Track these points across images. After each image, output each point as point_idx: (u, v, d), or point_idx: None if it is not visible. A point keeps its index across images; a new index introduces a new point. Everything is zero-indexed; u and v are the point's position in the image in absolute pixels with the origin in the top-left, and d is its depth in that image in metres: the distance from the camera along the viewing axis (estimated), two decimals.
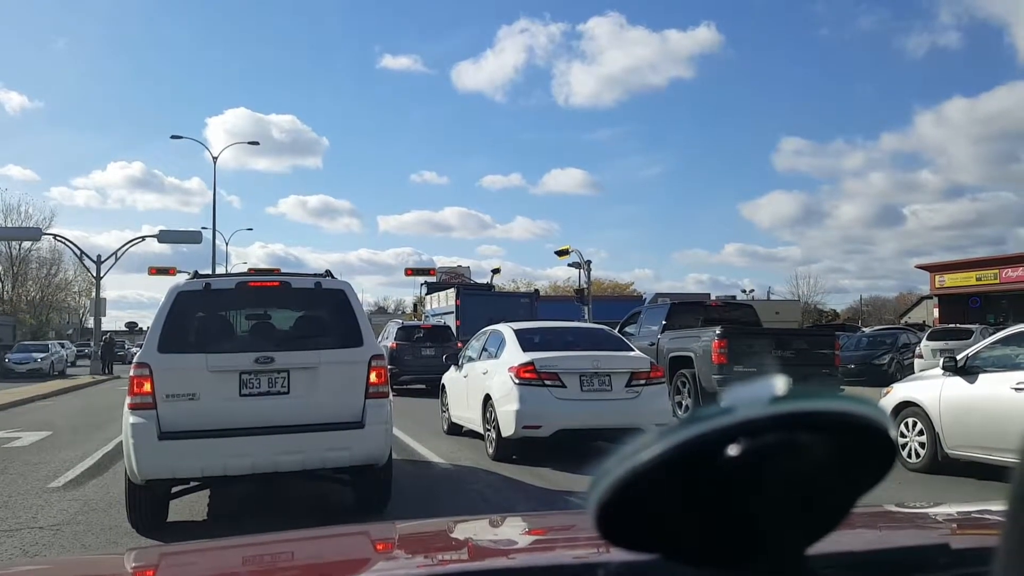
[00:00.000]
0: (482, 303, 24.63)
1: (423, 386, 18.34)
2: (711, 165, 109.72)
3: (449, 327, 21.69)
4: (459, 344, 16.86)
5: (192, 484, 6.05)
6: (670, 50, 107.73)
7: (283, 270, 6.83)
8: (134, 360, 5.79)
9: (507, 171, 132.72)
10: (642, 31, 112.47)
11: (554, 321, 12.10)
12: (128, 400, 5.59)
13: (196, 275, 6.57)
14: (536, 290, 37.08)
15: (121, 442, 6.00)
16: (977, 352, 7.71)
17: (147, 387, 5.50)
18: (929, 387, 7.95)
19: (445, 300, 27.63)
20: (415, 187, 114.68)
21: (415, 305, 40.08)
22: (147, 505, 5.71)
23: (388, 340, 19.90)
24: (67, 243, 33.55)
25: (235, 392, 5.69)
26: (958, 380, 7.59)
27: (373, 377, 5.93)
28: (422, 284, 38.05)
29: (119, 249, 32.23)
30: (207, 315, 6.23)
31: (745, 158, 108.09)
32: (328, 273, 6.57)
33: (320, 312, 6.42)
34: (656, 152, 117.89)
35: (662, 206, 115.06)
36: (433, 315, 28.55)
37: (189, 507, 6.43)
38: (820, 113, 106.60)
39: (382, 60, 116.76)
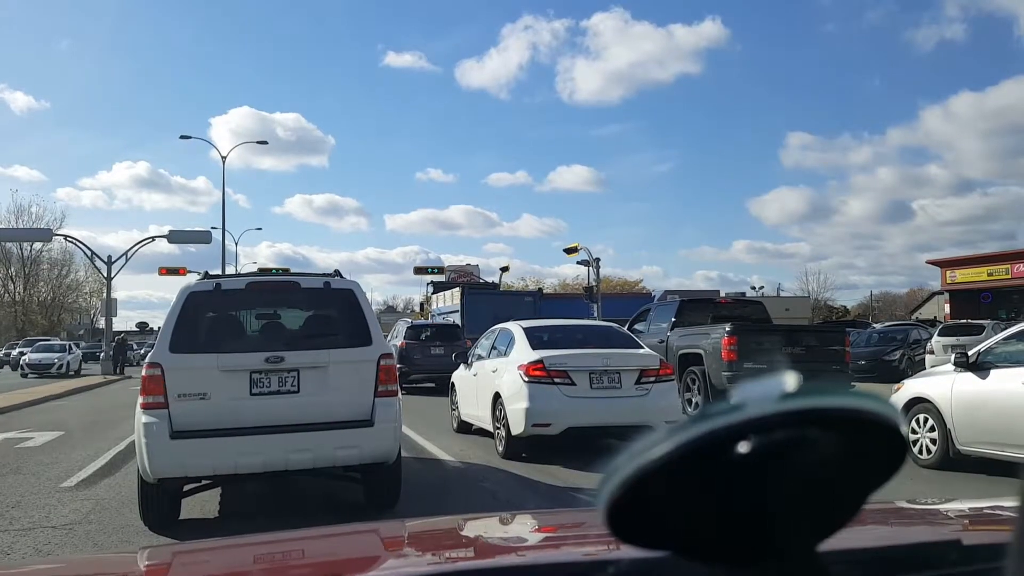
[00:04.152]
0: (487, 302, 25.21)
1: (432, 384, 18.49)
2: (718, 161, 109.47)
3: (458, 326, 21.75)
4: (467, 342, 16.96)
5: (204, 482, 6.10)
6: (676, 45, 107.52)
7: (292, 269, 6.87)
8: (146, 359, 5.85)
9: (513, 168, 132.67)
10: (647, 26, 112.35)
11: (562, 319, 12.11)
12: (140, 399, 5.65)
13: (206, 275, 6.61)
14: (540, 288, 37.37)
15: (133, 442, 6.06)
16: (989, 348, 7.67)
17: (159, 387, 5.56)
18: (940, 383, 7.91)
19: (451, 299, 28.16)
20: (421, 185, 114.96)
21: (422, 304, 40.45)
22: (159, 503, 5.76)
23: (397, 339, 20.00)
24: (78, 244, 33.75)
25: (246, 391, 5.73)
26: (970, 376, 7.55)
27: (382, 376, 5.96)
28: (428, 283, 38.42)
29: (129, 250, 32.40)
30: (218, 315, 6.27)
31: (752, 154, 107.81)
32: (337, 273, 6.63)
33: (329, 312, 6.47)
34: (663, 148, 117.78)
35: (669, 203, 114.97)
36: (439, 314, 29.05)
37: (201, 505, 6.47)
38: (826, 108, 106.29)
39: (385, 58, 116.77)
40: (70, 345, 37.81)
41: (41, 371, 33.01)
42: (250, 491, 6.89)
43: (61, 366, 33.80)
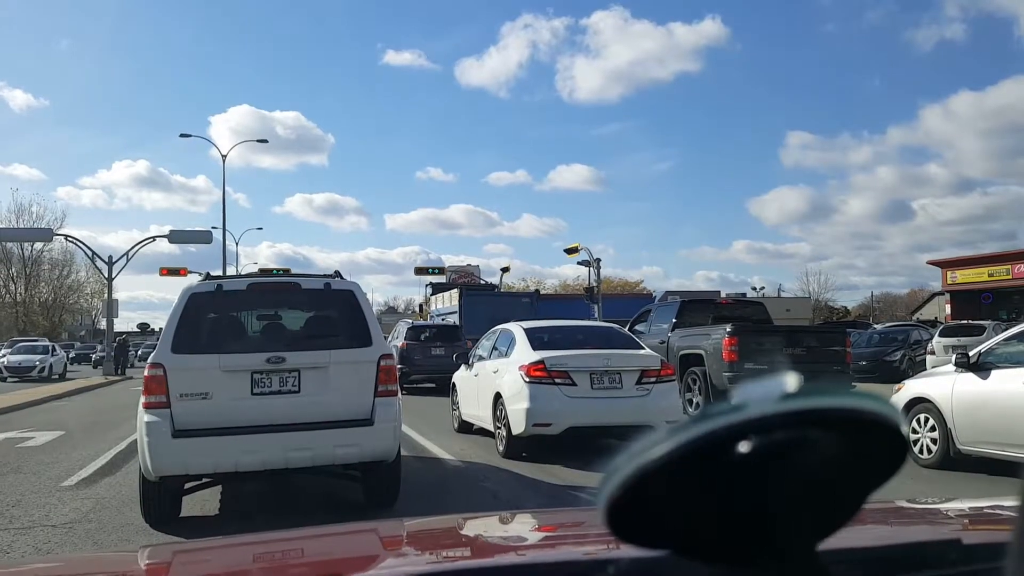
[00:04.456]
0: (484, 303, 25.82)
1: (432, 385, 18.59)
2: (718, 161, 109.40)
3: (458, 327, 21.88)
4: (467, 343, 17.08)
5: (205, 480, 6.15)
6: (675, 44, 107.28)
7: (292, 270, 6.90)
8: (149, 360, 5.92)
9: (513, 168, 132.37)
10: (647, 24, 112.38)
11: (563, 319, 12.11)
12: (143, 399, 5.71)
13: (208, 277, 6.71)
14: (537, 290, 38.13)
15: (133, 441, 6.09)
16: (990, 348, 7.67)
17: (161, 386, 5.63)
18: (941, 383, 7.91)
19: (449, 300, 28.87)
20: (421, 184, 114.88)
21: (421, 306, 41.33)
22: (160, 501, 5.83)
23: (398, 340, 20.10)
24: (79, 244, 33.75)
25: (247, 391, 5.80)
26: (970, 376, 7.55)
27: (382, 376, 6.03)
28: (427, 285, 39.87)
29: (130, 250, 32.38)
30: (219, 316, 6.33)
31: (752, 153, 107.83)
32: (337, 274, 6.72)
33: (329, 312, 6.54)
34: (662, 148, 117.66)
35: (669, 202, 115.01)
36: (438, 315, 29.75)
37: (201, 503, 6.50)
38: (826, 107, 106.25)
39: (385, 56, 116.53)
40: (52, 346, 34.28)
41: (21, 375, 30.38)
42: (250, 489, 6.91)
43: (43, 369, 31.09)
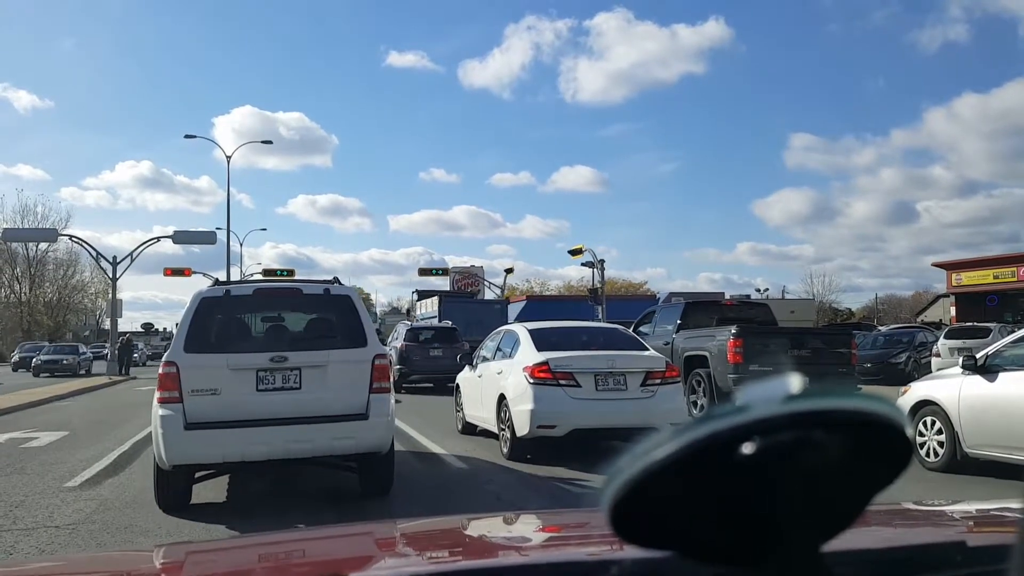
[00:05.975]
0: (460, 309, 29.17)
1: (431, 385, 19.03)
2: (722, 162, 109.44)
3: (457, 328, 22.36)
4: (465, 344, 17.60)
5: (213, 470, 6.56)
6: (679, 45, 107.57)
7: (296, 271, 7.21)
8: (163, 358, 6.36)
9: (516, 169, 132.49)
10: (650, 26, 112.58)
11: (568, 320, 12.10)
12: (157, 394, 6.13)
13: (217, 282, 7.22)
14: (507, 297, 41.94)
15: (137, 442, 6.26)
16: (997, 351, 7.63)
17: (175, 383, 6.05)
18: (948, 386, 7.88)
19: (431, 306, 32.51)
20: (424, 185, 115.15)
21: (408, 310, 44.01)
22: (173, 488, 6.25)
23: (398, 341, 20.42)
24: (83, 244, 33.84)
25: (252, 387, 6.20)
26: (977, 379, 7.51)
27: (376, 374, 6.45)
28: (413, 292, 44.52)
29: (135, 250, 32.48)
30: (227, 318, 6.79)
31: (756, 155, 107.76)
32: (336, 279, 7.21)
33: (328, 315, 6.97)
34: (666, 149, 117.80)
35: (673, 204, 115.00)
36: (422, 319, 32.82)
37: (210, 492, 6.79)
38: (830, 109, 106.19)
39: (388, 58, 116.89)
40: None
41: None
42: (255, 478, 7.22)
43: None
